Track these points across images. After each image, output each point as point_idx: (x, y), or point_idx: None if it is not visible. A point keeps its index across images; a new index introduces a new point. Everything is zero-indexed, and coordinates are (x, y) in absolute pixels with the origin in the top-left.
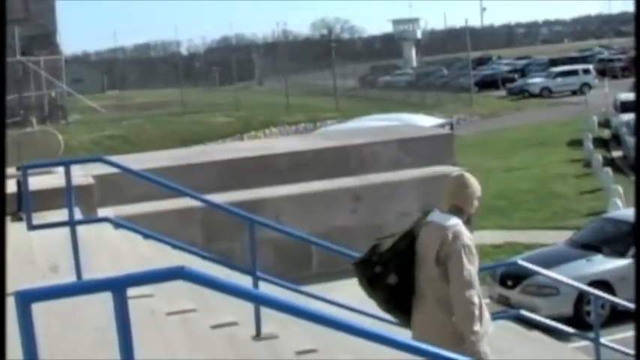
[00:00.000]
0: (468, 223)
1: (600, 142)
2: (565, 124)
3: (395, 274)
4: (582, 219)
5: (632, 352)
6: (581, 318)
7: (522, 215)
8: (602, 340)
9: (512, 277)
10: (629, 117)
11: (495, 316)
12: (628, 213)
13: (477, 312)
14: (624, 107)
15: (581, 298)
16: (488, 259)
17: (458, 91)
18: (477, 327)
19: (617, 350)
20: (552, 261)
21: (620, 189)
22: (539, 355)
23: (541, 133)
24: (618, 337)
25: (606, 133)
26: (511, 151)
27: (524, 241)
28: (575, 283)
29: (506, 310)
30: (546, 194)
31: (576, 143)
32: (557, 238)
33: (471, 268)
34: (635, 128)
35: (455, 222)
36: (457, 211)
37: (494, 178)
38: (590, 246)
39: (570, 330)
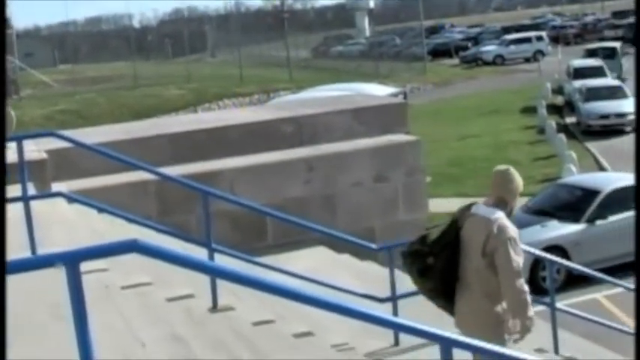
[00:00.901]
0: (510, 215)
1: (554, 109)
2: (518, 92)
3: (445, 264)
4: (537, 185)
5: (587, 315)
6: (537, 283)
7: (477, 182)
8: (558, 304)
9: None
10: (582, 83)
11: None
12: (582, 178)
13: (528, 299)
14: (577, 74)
15: (537, 263)
16: None
17: (411, 60)
18: (530, 313)
19: (572, 314)
20: None
21: (574, 155)
22: None
23: (494, 101)
24: (574, 302)
25: (559, 100)
26: (465, 119)
27: None
28: (530, 249)
29: None
30: (500, 161)
31: (530, 110)
32: None
33: (518, 258)
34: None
35: (499, 215)
36: (502, 203)
37: (449, 146)
38: (545, 212)
39: None
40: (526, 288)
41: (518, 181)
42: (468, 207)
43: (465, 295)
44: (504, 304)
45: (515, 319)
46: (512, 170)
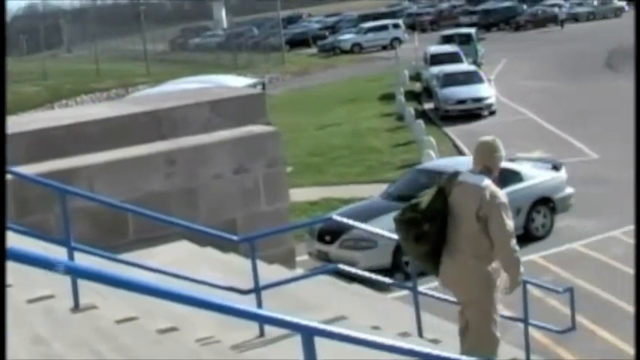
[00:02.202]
0: (495, 181)
1: (412, 96)
2: (377, 79)
3: (438, 229)
4: (397, 171)
5: (450, 297)
6: (400, 268)
7: (337, 171)
8: (421, 288)
9: (330, 233)
10: (438, 69)
11: (314, 272)
12: (441, 163)
13: (520, 258)
14: (434, 60)
15: (399, 248)
16: (304, 215)
17: (269, 50)
18: (521, 269)
19: (435, 297)
20: (368, 214)
21: (433, 140)
22: (359, 307)
23: (353, 89)
24: (435, 284)
25: (417, 86)
26: (324, 107)
27: (340, 196)
28: (392, 235)
29: (326, 265)
30: (360, 149)
31: (388, 97)
32: (373, 192)
33: (510, 222)
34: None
35: (488, 182)
36: (487, 171)
37: (308, 135)
38: (405, 197)
39: (389, 280)
40: (517, 248)
41: (502, 151)
42: (454, 175)
43: (455, 257)
44: (494, 264)
45: (506, 276)
46: (498, 140)
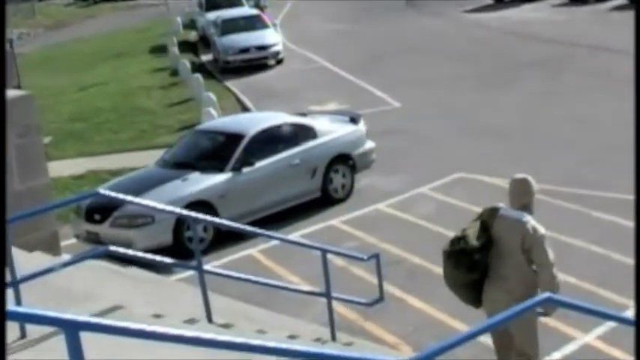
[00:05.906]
0: (532, 213)
1: (187, 46)
2: (145, 30)
3: (486, 259)
4: (174, 134)
5: (240, 275)
6: (184, 245)
7: (104, 138)
8: (208, 266)
9: (100, 210)
10: (216, 15)
11: (82, 256)
12: (223, 122)
13: (559, 284)
14: (210, 4)
15: (181, 223)
16: (68, 192)
17: (17, 1)
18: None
19: (224, 275)
20: (143, 186)
21: (213, 96)
22: (138, 293)
23: (118, 43)
24: (227, 261)
25: (193, 36)
26: (86, 65)
27: (110, 167)
28: (170, 208)
29: (96, 248)
30: (130, 111)
31: (160, 50)
32: (148, 160)
33: (550, 251)
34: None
35: (529, 217)
36: (525, 207)
37: (68, 98)
38: (185, 164)
39: (170, 260)
40: (558, 275)
41: (535, 186)
42: (494, 209)
43: (500, 284)
44: (536, 290)
45: None
46: (529, 177)
